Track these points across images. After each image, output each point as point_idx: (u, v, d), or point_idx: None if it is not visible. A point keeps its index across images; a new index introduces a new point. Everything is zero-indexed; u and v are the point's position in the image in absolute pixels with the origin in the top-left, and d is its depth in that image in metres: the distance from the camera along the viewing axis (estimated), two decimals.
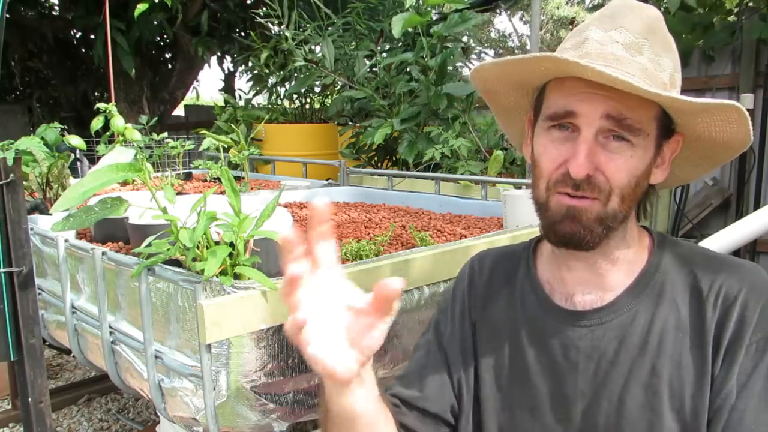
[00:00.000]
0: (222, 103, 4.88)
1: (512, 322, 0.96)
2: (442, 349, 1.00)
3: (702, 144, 0.89)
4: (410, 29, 3.50)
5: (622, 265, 0.90)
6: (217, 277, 1.34)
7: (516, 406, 0.93)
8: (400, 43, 3.95)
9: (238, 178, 2.98)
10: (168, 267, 1.47)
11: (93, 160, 3.07)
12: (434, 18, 3.95)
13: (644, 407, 0.83)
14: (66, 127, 2.93)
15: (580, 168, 0.80)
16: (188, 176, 3.48)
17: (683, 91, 0.86)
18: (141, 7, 4.45)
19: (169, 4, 4.43)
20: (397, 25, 3.31)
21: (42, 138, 2.55)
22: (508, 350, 0.95)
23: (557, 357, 0.90)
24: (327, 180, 3.42)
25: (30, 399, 1.75)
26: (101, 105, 2.90)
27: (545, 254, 0.97)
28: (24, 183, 1.88)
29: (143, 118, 3.23)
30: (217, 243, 1.40)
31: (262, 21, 4.66)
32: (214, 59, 6.88)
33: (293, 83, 4.65)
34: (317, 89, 4.83)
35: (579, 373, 0.88)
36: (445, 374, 0.98)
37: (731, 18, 4.56)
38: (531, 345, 0.93)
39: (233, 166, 3.55)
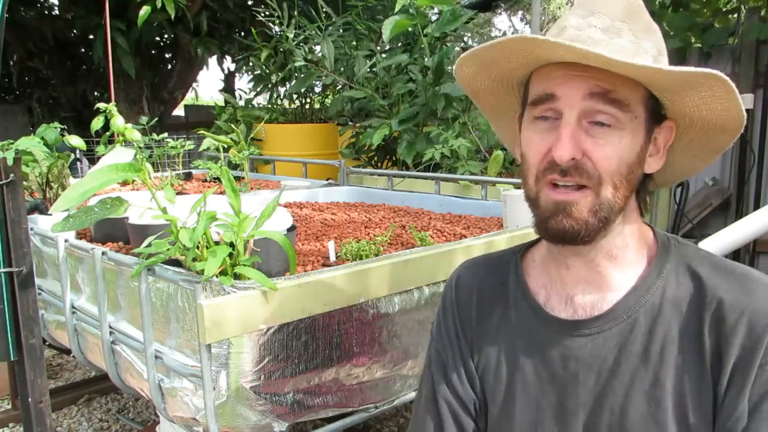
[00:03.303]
0: (222, 103, 4.88)
1: (509, 336, 0.93)
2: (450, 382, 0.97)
3: (697, 130, 0.86)
4: (410, 29, 3.51)
5: (622, 263, 0.87)
6: (217, 277, 1.34)
7: (518, 420, 0.91)
8: (400, 43, 3.95)
9: (238, 178, 2.98)
10: (168, 267, 1.47)
11: (93, 160, 3.07)
12: (434, 18, 3.95)
13: (647, 419, 0.81)
14: (66, 127, 2.92)
15: (563, 151, 0.77)
16: (188, 176, 3.48)
17: None
18: (144, 14, 4.45)
19: (171, 15, 4.43)
20: (387, 29, 3.32)
21: (42, 138, 2.55)
22: (506, 365, 0.93)
23: (556, 369, 0.87)
24: (327, 180, 3.42)
25: (30, 399, 1.75)
26: (101, 105, 2.90)
27: (538, 259, 0.95)
28: (24, 183, 1.87)
29: (143, 119, 3.22)
30: (217, 243, 1.40)
31: (263, 20, 4.66)
32: (213, 59, 6.89)
33: (293, 83, 4.66)
34: (317, 89, 4.83)
35: (580, 384, 0.86)
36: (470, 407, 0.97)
37: (730, 17, 4.55)
38: (529, 357, 0.90)
39: (233, 166, 3.55)
